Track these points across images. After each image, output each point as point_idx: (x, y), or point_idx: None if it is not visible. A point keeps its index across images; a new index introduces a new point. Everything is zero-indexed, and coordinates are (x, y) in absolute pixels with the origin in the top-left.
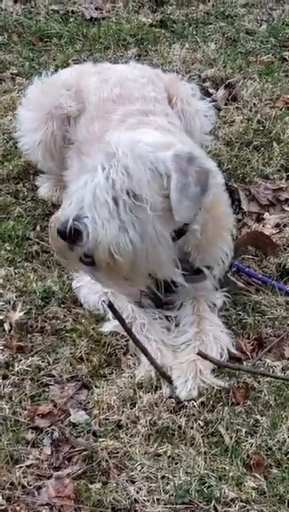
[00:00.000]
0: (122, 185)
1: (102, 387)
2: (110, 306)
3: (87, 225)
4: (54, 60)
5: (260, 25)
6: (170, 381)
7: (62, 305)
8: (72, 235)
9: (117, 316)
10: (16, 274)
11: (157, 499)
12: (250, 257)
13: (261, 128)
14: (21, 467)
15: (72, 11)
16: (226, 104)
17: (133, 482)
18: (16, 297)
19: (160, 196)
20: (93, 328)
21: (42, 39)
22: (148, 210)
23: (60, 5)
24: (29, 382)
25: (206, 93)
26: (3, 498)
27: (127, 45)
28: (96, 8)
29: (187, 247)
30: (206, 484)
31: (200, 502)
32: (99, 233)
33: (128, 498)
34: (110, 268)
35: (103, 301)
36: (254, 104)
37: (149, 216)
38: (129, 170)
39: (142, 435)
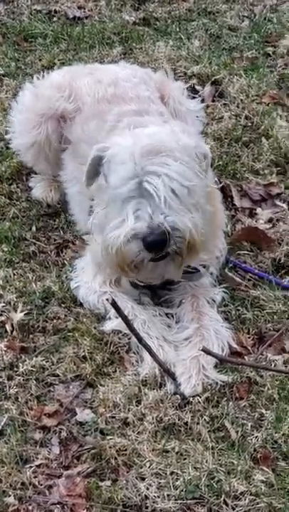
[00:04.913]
0: (183, 175)
1: (107, 386)
2: (114, 304)
3: (175, 220)
4: (40, 60)
5: (243, 21)
6: (174, 378)
7: (62, 305)
8: (168, 237)
9: (121, 314)
10: (14, 275)
11: (167, 495)
12: (245, 252)
13: (249, 124)
14: (31, 467)
15: (55, 10)
16: (213, 101)
17: (143, 479)
18: (16, 298)
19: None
20: (95, 327)
21: (26, 39)
22: (203, 190)
23: (42, 4)
24: (34, 382)
25: (193, 90)
26: (15, 499)
27: (112, 44)
28: (79, 7)
29: None
30: (215, 479)
31: (210, 496)
32: (188, 222)
33: (138, 495)
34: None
35: (106, 299)
36: (241, 100)
37: (202, 197)
38: (182, 161)
39: (149, 432)
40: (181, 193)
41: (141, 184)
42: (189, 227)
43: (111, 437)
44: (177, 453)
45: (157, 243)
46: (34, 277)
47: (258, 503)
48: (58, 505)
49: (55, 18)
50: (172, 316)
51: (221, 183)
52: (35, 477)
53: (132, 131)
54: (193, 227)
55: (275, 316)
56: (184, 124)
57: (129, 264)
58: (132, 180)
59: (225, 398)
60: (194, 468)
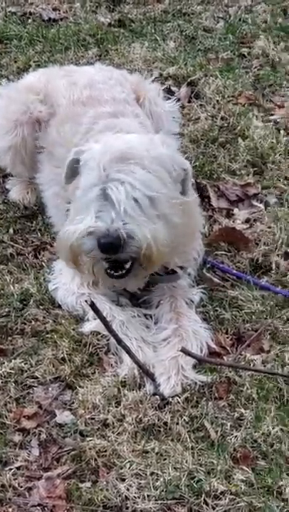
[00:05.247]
0: (148, 185)
1: (86, 387)
2: (92, 305)
3: (133, 229)
4: (15, 61)
5: (218, 23)
6: (153, 378)
7: (40, 306)
8: (122, 243)
9: (99, 315)
10: None
11: (148, 495)
12: (223, 252)
13: (226, 124)
14: (11, 469)
15: (29, 12)
16: (189, 102)
17: (123, 480)
18: None
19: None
20: (73, 329)
21: (1, 41)
22: (170, 201)
23: (17, 6)
24: (13, 384)
25: (169, 91)
26: None
27: (87, 46)
28: (53, 9)
29: None
30: (195, 479)
31: (190, 496)
32: (147, 233)
33: (119, 496)
34: (149, 263)
35: (85, 301)
36: (217, 101)
37: (168, 208)
38: (151, 170)
39: (129, 433)
40: (144, 203)
41: (105, 190)
42: (148, 238)
43: (91, 439)
44: (157, 453)
45: (111, 246)
46: (12, 279)
47: (238, 503)
48: (38, 507)
49: (30, 20)
50: (151, 317)
51: (198, 183)
52: (15, 479)
53: (109, 137)
54: (152, 238)
55: (253, 316)
56: (167, 137)
57: (81, 259)
58: (97, 186)
59: (204, 398)
60: (174, 468)
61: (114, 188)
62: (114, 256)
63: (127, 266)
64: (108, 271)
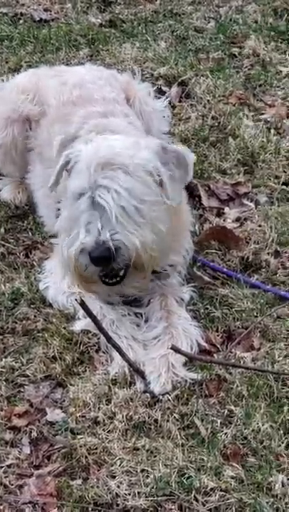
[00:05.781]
0: (133, 192)
1: (77, 385)
2: (82, 304)
3: (121, 239)
4: (7, 62)
5: (208, 23)
6: (143, 376)
7: (31, 305)
8: (112, 254)
9: (90, 314)
10: None
11: (138, 492)
12: (213, 251)
13: (216, 124)
14: (2, 467)
15: (21, 13)
16: (180, 102)
17: (113, 477)
18: None
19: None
20: (64, 327)
21: None
22: (154, 206)
23: (8, 7)
24: (4, 383)
25: (160, 91)
26: None
27: (79, 46)
28: (45, 10)
29: None
30: (186, 475)
31: (180, 493)
32: (136, 240)
33: (109, 493)
34: (141, 268)
35: (75, 299)
36: (208, 100)
37: (158, 210)
38: (134, 176)
39: (120, 430)
40: (130, 210)
41: (94, 198)
42: (136, 245)
43: (81, 436)
44: (147, 450)
45: (102, 258)
46: (3, 279)
47: (228, 499)
48: (29, 505)
49: (21, 21)
50: (141, 316)
51: (189, 182)
52: (6, 477)
53: (96, 139)
54: (140, 245)
55: (243, 314)
56: (152, 140)
57: (85, 277)
58: (86, 193)
59: (194, 396)
60: (165, 465)
61: (102, 195)
62: (107, 268)
63: (121, 273)
64: (103, 279)
